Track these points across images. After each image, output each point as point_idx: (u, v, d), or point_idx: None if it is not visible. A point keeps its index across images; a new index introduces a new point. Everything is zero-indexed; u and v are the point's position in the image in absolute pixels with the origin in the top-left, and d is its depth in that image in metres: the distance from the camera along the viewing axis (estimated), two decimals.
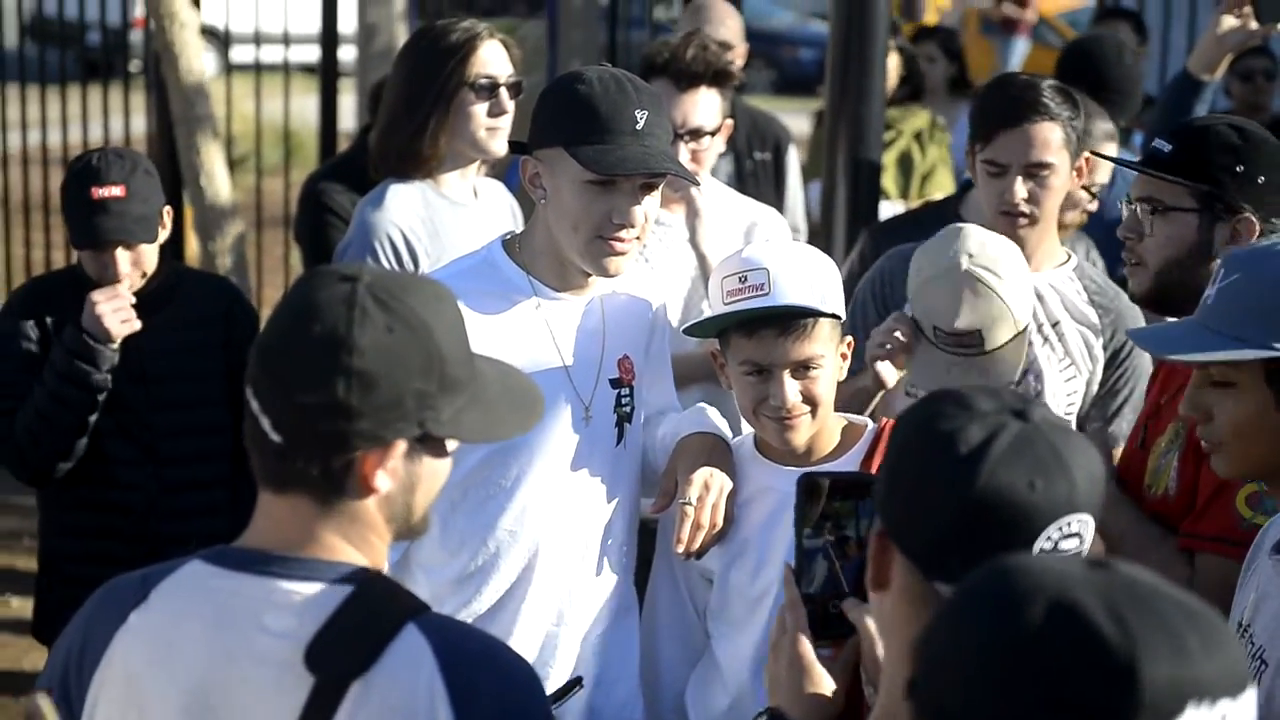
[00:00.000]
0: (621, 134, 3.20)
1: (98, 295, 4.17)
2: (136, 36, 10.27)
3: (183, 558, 2.27)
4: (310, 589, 2.19)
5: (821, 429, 3.34)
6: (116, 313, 4.17)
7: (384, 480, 2.20)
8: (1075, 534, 1.98)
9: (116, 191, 4.18)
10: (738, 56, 5.32)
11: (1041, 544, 1.94)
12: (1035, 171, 3.93)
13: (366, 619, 2.18)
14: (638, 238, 3.28)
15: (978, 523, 1.95)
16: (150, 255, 4.29)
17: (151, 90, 8.70)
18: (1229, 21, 4.75)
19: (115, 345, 4.20)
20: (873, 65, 4.82)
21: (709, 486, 3.29)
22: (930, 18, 19.64)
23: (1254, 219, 3.41)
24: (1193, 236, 3.42)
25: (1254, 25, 4.74)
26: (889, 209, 5.94)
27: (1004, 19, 18.33)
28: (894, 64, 7.10)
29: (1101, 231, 4.97)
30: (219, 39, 9.98)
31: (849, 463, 3.18)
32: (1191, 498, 3.28)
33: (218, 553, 2.26)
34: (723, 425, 3.51)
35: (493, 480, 3.33)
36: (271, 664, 2.17)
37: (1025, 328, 3.81)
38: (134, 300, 4.22)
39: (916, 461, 2.06)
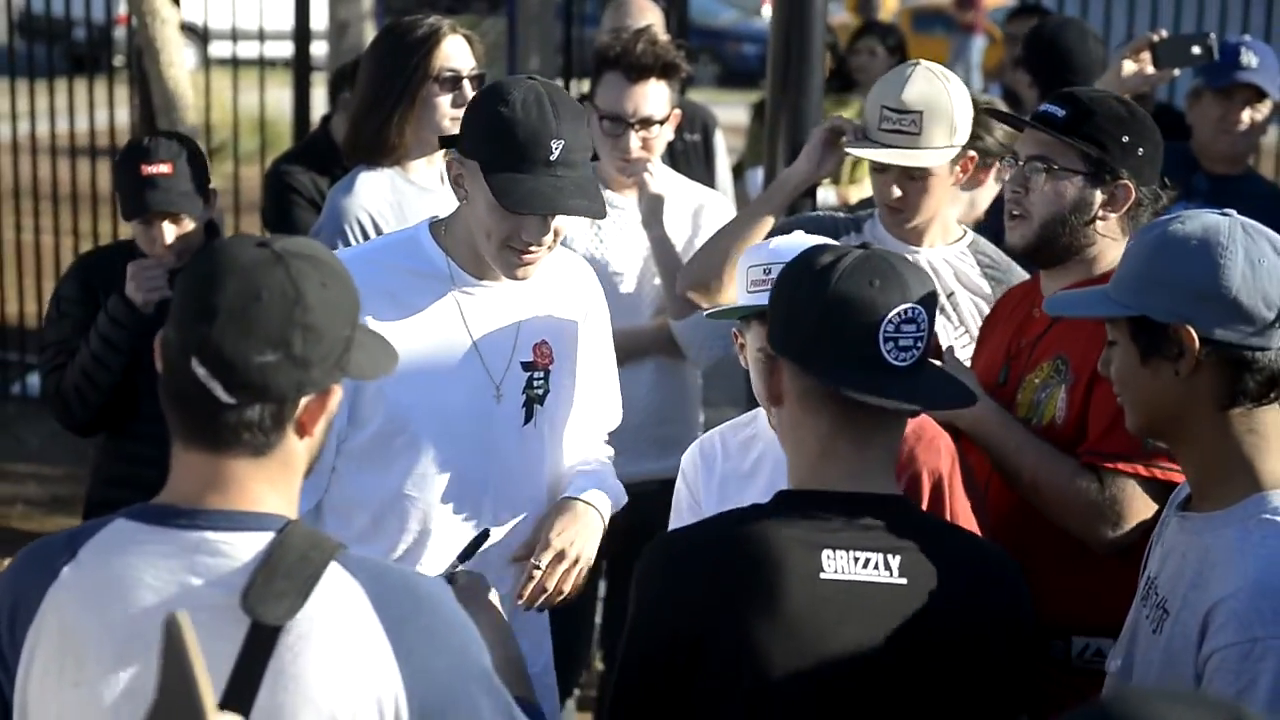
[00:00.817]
0: (535, 164, 3.13)
1: (134, 266, 4.31)
2: (120, 33, 10.24)
3: (107, 517, 2.27)
4: (238, 538, 2.20)
5: None
6: (150, 281, 4.30)
7: (321, 425, 2.25)
8: (912, 320, 2.52)
9: (164, 169, 4.31)
10: None
11: (885, 329, 2.49)
12: None
13: (294, 561, 2.19)
14: (549, 247, 3.25)
15: (835, 315, 2.49)
16: (193, 229, 4.39)
17: (134, 83, 8.67)
18: (1130, 67, 4.79)
19: (150, 311, 4.30)
20: (811, 60, 4.82)
21: (564, 556, 3.32)
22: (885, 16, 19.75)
23: (1131, 185, 3.47)
24: (1075, 195, 3.47)
25: (1151, 70, 4.78)
26: (824, 194, 5.98)
27: (965, 22, 18.54)
28: (827, 60, 7.13)
29: None
30: (198, 35, 9.93)
31: None
32: (1082, 424, 3.34)
33: (140, 510, 2.26)
34: (611, 496, 3.52)
35: (395, 444, 3.30)
36: (206, 609, 2.14)
37: (955, 150, 3.93)
38: (170, 270, 4.31)
39: (787, 287, 2.59)
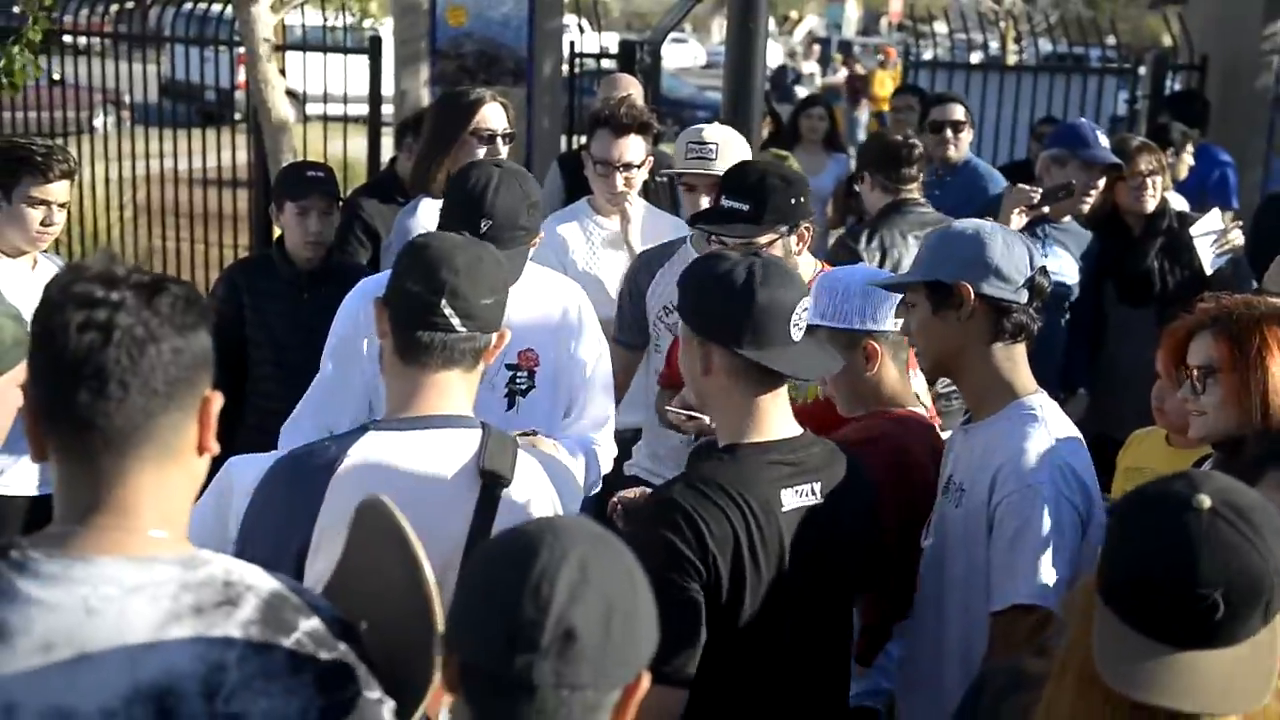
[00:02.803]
0: (470, 233, 2.95)
1: None
2: (240, 95, 10.22)
3: (353, 431, 2.37)
4: (463, 433, 2.35)
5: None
6: None
7: (494, 356, 2.45)
8: (806, 307, 2.54)
9: (321, 174, 4.43)
10: None
11: (793, 318, 2.48)
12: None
13: (499, 445, 2.35)
14: None
15: (763, 311, 2.45)
16: (331, 225, 4.43)
17: (250, 133, 8.67)
18: (1016, 214, 4.74)
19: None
20: (751, 124, 4.85)
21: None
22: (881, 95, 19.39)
23: (807, 226, 3.59)
24: (780, 254, 3.44)
25: (1029, 211, 4.77)
26: None
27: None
28: (766, 122, 7.16)
29: None
30: (297, 98, 9.92)
31: None
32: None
33: (384, 423, 2.38)
34: (586, 462, 3.28)
35: None
36: (448, 482, 2.31)
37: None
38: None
39: (713, 289, 2.50)
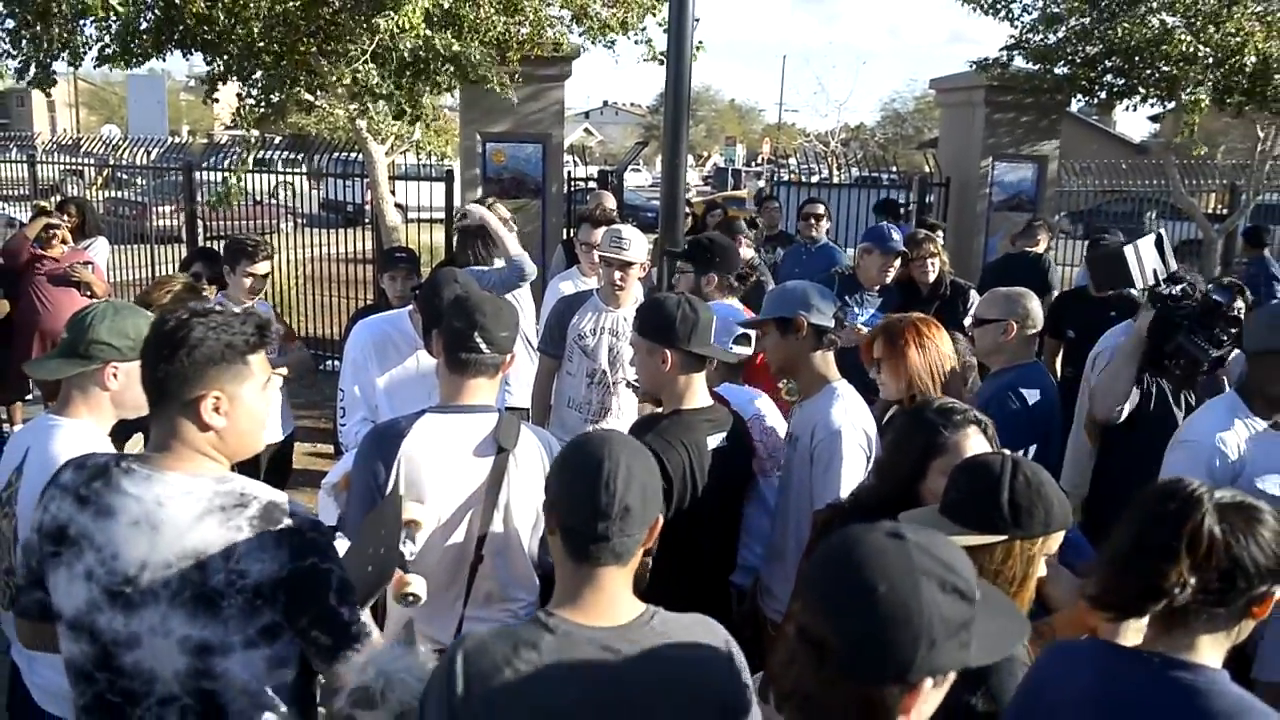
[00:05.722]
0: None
1: None
2: (367, 207, 10.15)
3: (416, 413, 2.20)
4: (486, 416, 2.22)
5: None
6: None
7: (508, 370, 2.29)
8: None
9: (403, 255, 4.21)
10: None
11: (716, 325, 2.45)
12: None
13: (509, 424, 2.21)
14: None
15: (707, 322, 2.46)
16: (409, 286, 4.01)
17: (373, 231, 8.59)
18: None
19: None
20: (676, 219, 4.78)
21: None
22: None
23: (716, 274, 3.57)
24: (693, 286, 3.50)
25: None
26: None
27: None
28: (687, 219, 7.08)
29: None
30: (402, 209, 9.85)
31: None
32: None
33: (437, 408, 2.22)
34: None
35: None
36: (478, 445, 2.19)
37: (645, 260, 3.66)
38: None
39: (676, 315, 2.44)
